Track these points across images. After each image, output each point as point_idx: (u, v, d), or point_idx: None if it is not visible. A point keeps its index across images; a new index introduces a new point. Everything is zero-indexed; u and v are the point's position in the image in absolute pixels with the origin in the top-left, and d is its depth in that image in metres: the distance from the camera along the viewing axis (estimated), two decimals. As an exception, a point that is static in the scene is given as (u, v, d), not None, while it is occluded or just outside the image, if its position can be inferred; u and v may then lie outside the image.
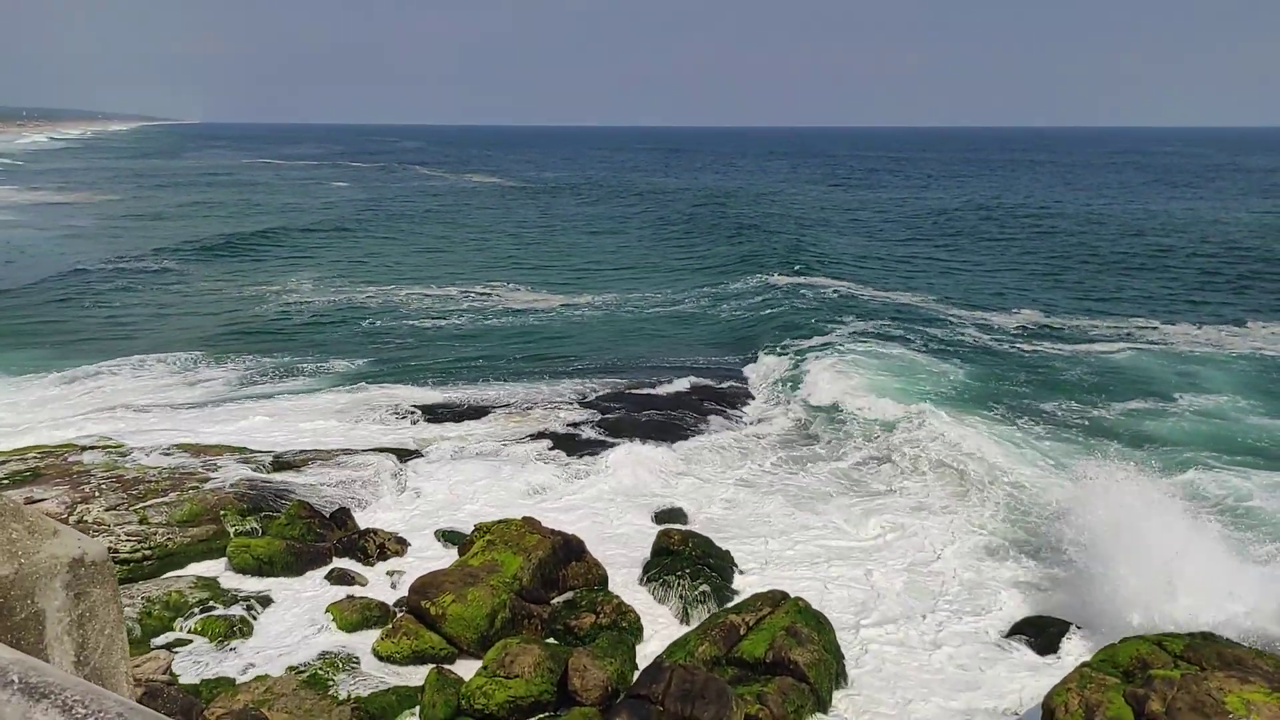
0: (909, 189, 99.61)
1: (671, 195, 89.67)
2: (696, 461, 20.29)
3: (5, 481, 16.06)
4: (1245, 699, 9.48)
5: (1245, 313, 35.64)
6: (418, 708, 11.25)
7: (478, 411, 23.39)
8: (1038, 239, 57.44)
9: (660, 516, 17.51)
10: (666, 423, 22.52)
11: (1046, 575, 15.01)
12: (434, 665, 11.94)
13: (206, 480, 16.94)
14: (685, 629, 13.19)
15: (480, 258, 51.13)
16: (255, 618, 13.53)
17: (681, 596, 14.16)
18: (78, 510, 15.08)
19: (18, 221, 62.84)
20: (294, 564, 14.96)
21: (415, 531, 16.58)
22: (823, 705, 11.46)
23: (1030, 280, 43.90)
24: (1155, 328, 33.36)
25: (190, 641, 12.86)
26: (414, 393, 24.79)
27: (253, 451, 19.13)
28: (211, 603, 13.67)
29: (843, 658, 12.33)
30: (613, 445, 20.56)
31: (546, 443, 20.97)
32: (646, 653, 12.52)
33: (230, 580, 14.61)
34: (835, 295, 38.72)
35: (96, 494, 15.71)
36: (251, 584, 14.53)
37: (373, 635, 12.98)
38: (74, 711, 2.22)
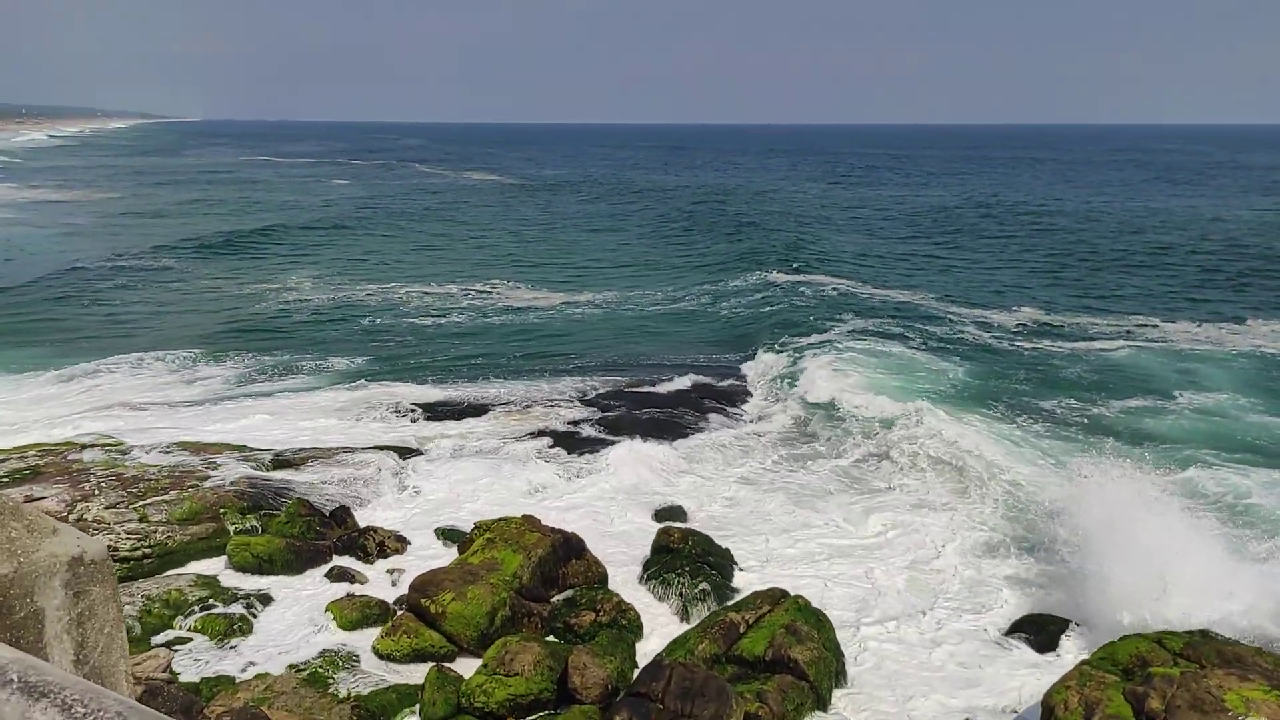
0: (909, 186, 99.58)
1: (671, 193, 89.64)
2: (697, 459, 20.29)
3: (5, 480, 16.05)
4: (1244, 696, 9.49)
5: (1245, 310, 35.65)
6: (418, 706, 11.26)
7: (478, 409, 23.39)
8: (1037, 236, 57.42)
9: (660, 514, 17.51)
10: (667, 420, 22.52)
11: (1046, 573, 15.02)
12: (434, 663, 11.95)
13: (206, 478, 16.94)
14: (685, 627, 13.20)
15: (480, 255, 51.12)
16: (255, 616, 13.53)
17: (681, 594, 14.16)
18: (77, 508, 15.08)
19: (16, 219, 62.82)
20: (294, 562, 14.97)
21: (415, 529, 16.58)
22: (822, 703, 11.47)
23: (1030, 278, 43.89)
24: (1155, 325, 33.36)
25: (190, 640, 12.87)
26: (414, 391, 24.79)
27: (253, 449, 19.13)
28: (211, 601, 13.68)
29: (842, 656, 12.33)
30: (613, 443, 20.56)
31: (547, 440, 20.97)
32: (646, 651, 12.52)
33: (230, 578, 14.62)
34: (834, 293, 38.73)
35: (96, 492, 15.71)
36: (251, 582, 14.53)
37: (373, 633, 12.99)
38: (73, 710, 2.22)
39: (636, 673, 11.54)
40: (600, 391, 25.03)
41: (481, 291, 40.10)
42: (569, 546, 14.57)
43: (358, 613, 13.43)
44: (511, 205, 79.38)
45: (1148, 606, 12.73)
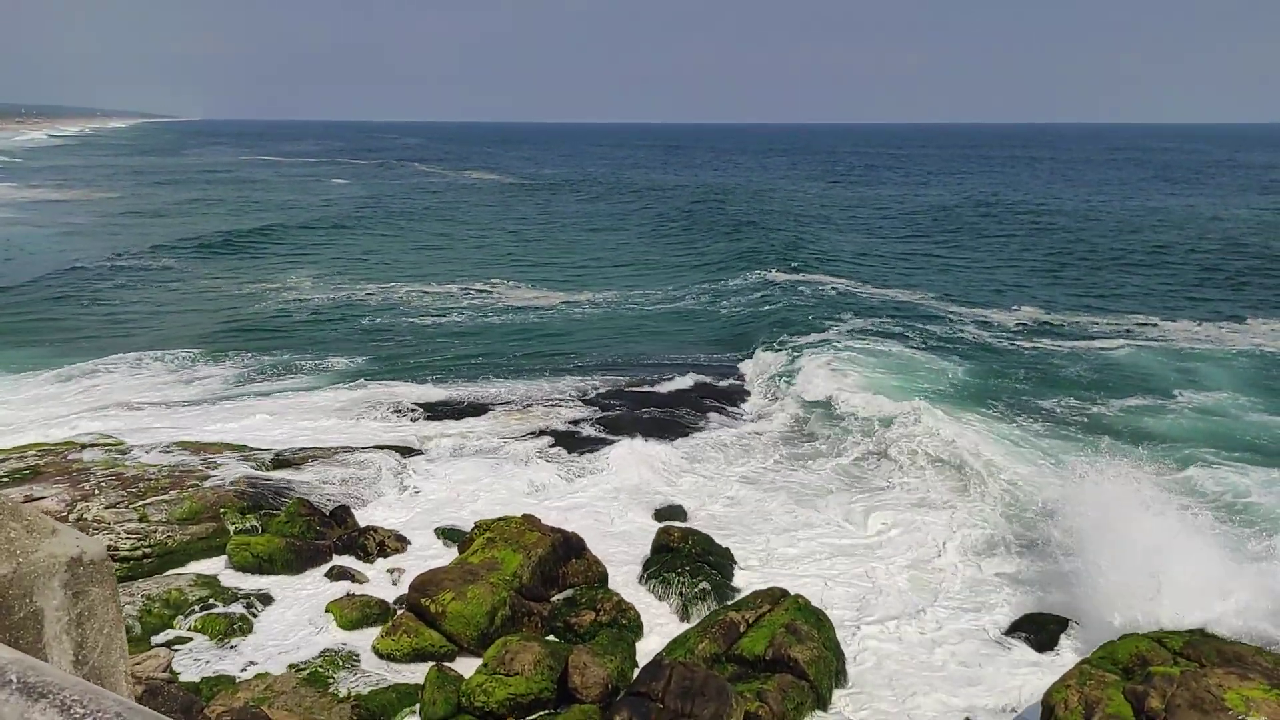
0: (908, 185, 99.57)
1: (670, 192, 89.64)
2: (698, 459, 20.30)
3: (5, 479, 16.05)
4: (1244, 695, 9.49)
5: (1244, 309, 35.65)
6: (418, 705, 11.26)
7: (478, 409, 23.38)
8: (1037, 235, 57.42)
9: (661, 514, 17.51)
10: (667, 420, 22.52)
11: (1046, 572, 15.01)
12: (434, 663, 11.95)
13: (206, 478, 16.93)
14: (685, 626, 13.20)
15: (480, 255, 51.12)
16: (255, 615, 13.53)
17: (681, 594, 14.16)
18: (77, 508, 15.07)
19: (16, 219, 62.79)
20: (294, 562, 14.97)
21: (415, 529, 16.58)
22: (822, 702, 11.47)
23: (1029, 277, 43.90)
24: (1154, 324, 33.37)
25: (190, 639, 12.86)
26: (414, 390, 24.79)
27: (253, 449, 19.13)
28: (211, 600, 13.67)
29: (843, 655, 12.33)
30: (613, 442, 20.56)
31: (547, 440, 20.97)
32: (646, 650, 12.52)
33: (230, 578, 14.61)
34: (834, 292, 38.73)
35: (96, 492, 15.71)
36: (251, 582, 14.53)
37: (373, 633, 12.98)
38: (72, 711, 2.22)
39: (636, 672, 11.54)
40: (600, 391, 25.03)
41: (481, 291, 40.09)
42: (569, 546, 14.57)
43: (358, 612, 13.43)
44: (511, 204, 79.37)
45: (1139, 607, 12.64)
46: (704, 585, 14.14)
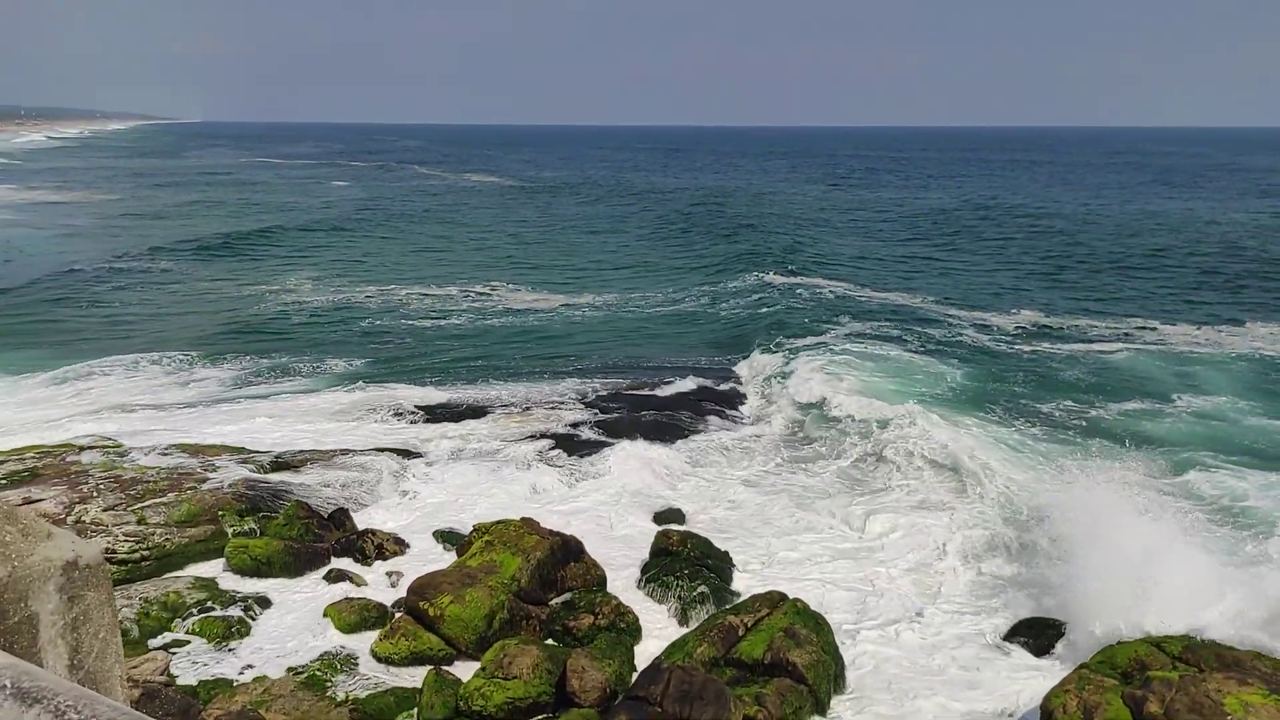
0: (907, 189, 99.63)
1: (670, 195, 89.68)
2: (699, 462, 20.30)
3: (3, 481, 16.04)
4: (1243, 701, 9.48)
5: (1243, 313, 35.66)
6: (416, 709, 11.24)
7: (478, 411, 23.37)
8: (1036, 239, 57.45)
9: (660, 517, 17.49)
10: (667, 423, 22.51)
11: (1044, 576, 14.97)
12: (432, 666, 11.94)
13: (205, 481, 16.92)
14: (684, 630, 13.19)
15: (480, 257, 51.13)
16: (253, 618, 13.51)
17: (680, 597, 14.15)
18: (76, 510, 15.06)
19: (15, 221, 62.79)
20: (292, 565, 14.95)
21: (414, 532, 16.56)
22: (821, 706, 11.46)
23: (1028, 280, 43.91)
24: (1153, 328, 33.37)
25: (188, 642, 12.84)
26: (414, 393, 24.77)
27: (251, 452, 19.10)
28: (209, 603, 13.65)
29: (841, 659, 12.32)
30: (613, 445, 20.55)
31: (547, 443, 20.94)
32: (645, 654, 12.52)
33: (228, 581, 14.59)
34: (832, 295, 38.73)
35: (95, 494, 15.69)
36: (250, 585, 14.51)
37: (371, 636, 12.97)
38: (67, 716, 2.21)
39: (635, 676, 11.53)
40: (601, 393, 25.02)
41: (481, 293, 40.09)
42: (568, 549, 14.56)
43: (356, 615, 13.41)
44: (511, 207, 79.40)
45: (1122, 615, 12.51)
46: (703, 589, 14.13)
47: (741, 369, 27.87)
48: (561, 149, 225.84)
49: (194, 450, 18.69)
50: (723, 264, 47.53)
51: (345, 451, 19.55)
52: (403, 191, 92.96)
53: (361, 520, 16.87)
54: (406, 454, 19.93)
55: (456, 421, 22.62)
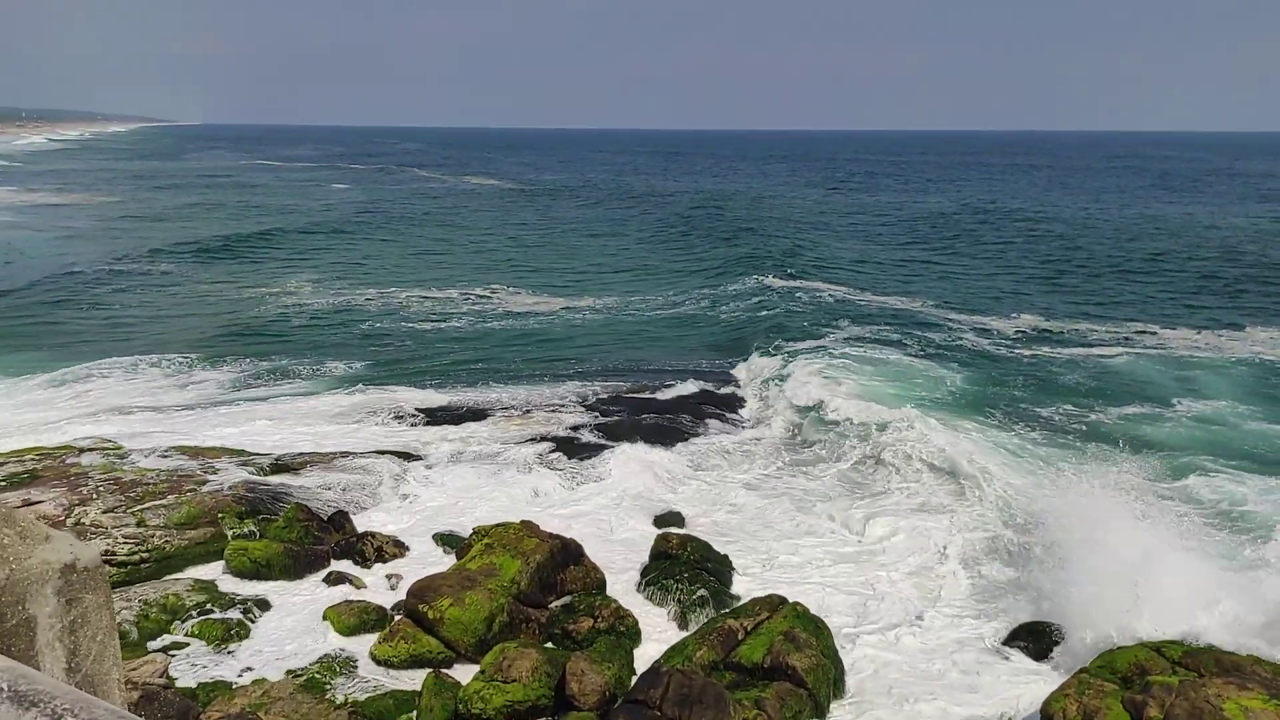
0: (908, 192, 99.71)
1: (670, 198, 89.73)
2: (699, 465, 20.30)
3: (3, 484, 16.02)
4: (1243, 705, 9.46)
5: (1243, 317, 35.67)
6: (415, 712, 11.22)
7: (478, 414, 23.37)
8: (1035, 243, 57.47)
9: (660, 520, 17.48)
10: (668, 426, 22.51)
11: (1043, 580, 14.95)
12: (431, 669, 11.92)
13: (204, 483, 16.90)
14: (683, 633, 13.17)
15: (480, 260, 51.14)
16: (253, 621, 13.49)
17: (679, 601, 14.13)
18: (75, 512, 15.04)
19: (15, 223, 62.80)
20: (292, 567, 14.93)
21: (413, 535, 16.54)
22: (821, 711, 11.44)
23: (1028, 284, 43.92)
24: (1153, 332, 33.36)
25: (187, 645, 12.82)
26: (414, 395, 24.76)
27: (251, 454, 19.09)
28: (209, 606, 13.64)
29: (841, 663, 12.30)
30: (614, 448, 20.53)
31: (548, 445, 20.93)
32: (644, 657, 12.50)
33: (228, 583, 14.57)
34: (831, 299, 38.74)
35: (94, 496, 15.67)
36: (249, 587, 14.49)
37: (370, 639, 12.95)
38: (64, 720, 2.20)
39: (634, 679, 11.51)
40: (601, 396, 25.02)
41: (482, 296, 40.09)
42: (567, 552, 14.55)
43: (355, 618, 13.40)
44: (511, 210, 79.44)
45: (1113, 621, 12.45)
46: (702, 592, 14.12)
47: (741, 372, 27.87)
48: (561, 152, 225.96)
49: (194, 452, 18.68)
50: (722, 267, 47.54)
51: (345, 454, 19.54)
52: (403, 194, 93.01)
53: (361, 523, 16.85)
54: (406, 456, 19.93)
55: (457, 424, 22.61)
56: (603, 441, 21.33)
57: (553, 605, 13.85)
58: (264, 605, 13.95)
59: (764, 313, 36.03)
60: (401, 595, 13.80)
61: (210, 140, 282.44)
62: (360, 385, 25.76)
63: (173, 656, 12.42)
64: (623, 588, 14.71)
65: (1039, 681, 12.15)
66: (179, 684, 11.72)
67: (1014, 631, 13.60)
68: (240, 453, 19.07)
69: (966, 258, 52.57)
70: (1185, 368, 28.29)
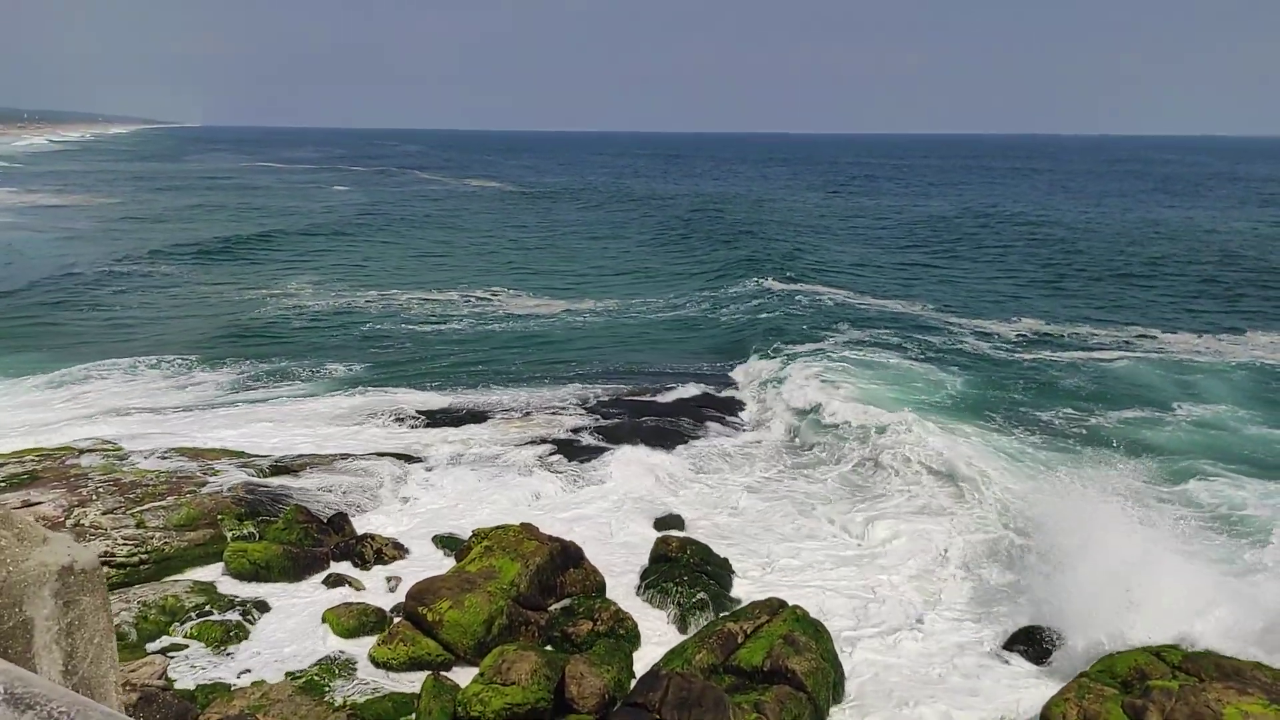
0: (908, 196, 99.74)
1: (670, 201, 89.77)
2: (700, 468, 20.28)
3: (2, 484, 16.01)
4: (1243, 710, 9.45)
5: (1243, 321, 35.66)
6: (414, 714, 11.21)
7: (479, 416, 23.35)
8: (1036, 247, 57.47)
9: (660, 523, 17.47)
10: (669, 428, 22.50)
11: (1043, 585, 14.93)
12: (431, 672, 11.90)
13: (204, 484, 16.89)
14: (683, 636, 13.15)
15: (481, 262, 51.16)
16: (252, 623, 13.48)
17: (679, 604, 14.12)
18: (75, 514, 15.03)
19: (15, 224, 62.84)
20: (291, 569, 14.92)
21: (413, 537, 16.53)
22: (820, 715, 11.42)
23: (1028, 288, 43.92)
24: (1153, 336, 33.35)
25: (186, 646, 12.81)
26: (414, 397, 24.75)
27: (251, 456, 19.08)
28: (208, 607, 13.62)
29: (841, 667, 12.28)
30: (614, 451, 20.52)
31: (548, 448, 20.92)
32: (644, 660, 12.48)
33: (227, 585, 14.56)
34: (831, 302, 38.72)
35: (94, 497, 15.66)
36: (248, 589, 14.48)
37: (369, 641, 12.93)
38: (61, 723, 2.19)
39: (634, 683, 11.50)
40: (601, 398, 25.01)
41: (482, 298, 40.09)
42: (567, 555, 14.53)
43: (355, 620, 13.38)
44: (511, 212, 79.48)
45: (1105, 626, 12.41)
46: (702, 595, 14.10)
47: (740, 375, 27.87)
48: (562, 154, 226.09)
49: (193, 454, 18.67)
50: (722, 270, 47.55)
51: (345, 456, 19.53)
52: (403, 196, 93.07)
53: (361, 525, 16.84)
54: (407, 459, 19.91)
55: (457, 426, 22.60)
56: (603, 444, 21.32)
57: (552, 608, 13.83)
58: (263, 607, 13.94)
59: (763, 315, 36.03)
60: (401, 597, 13.78)
61: (211, 142, 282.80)
62: (360, 387, 25.76)
63: (172, 658, 12.40)
64: (623, 591, 14.70)
65: (1039, 686, 12.12)
66: (178, 685, 11.71)
67: (1014, 635, 13.57)
68: (240, 454, 19.07)
69: (967, 261, 52.57)
70: (1185, 372, 28.27)
